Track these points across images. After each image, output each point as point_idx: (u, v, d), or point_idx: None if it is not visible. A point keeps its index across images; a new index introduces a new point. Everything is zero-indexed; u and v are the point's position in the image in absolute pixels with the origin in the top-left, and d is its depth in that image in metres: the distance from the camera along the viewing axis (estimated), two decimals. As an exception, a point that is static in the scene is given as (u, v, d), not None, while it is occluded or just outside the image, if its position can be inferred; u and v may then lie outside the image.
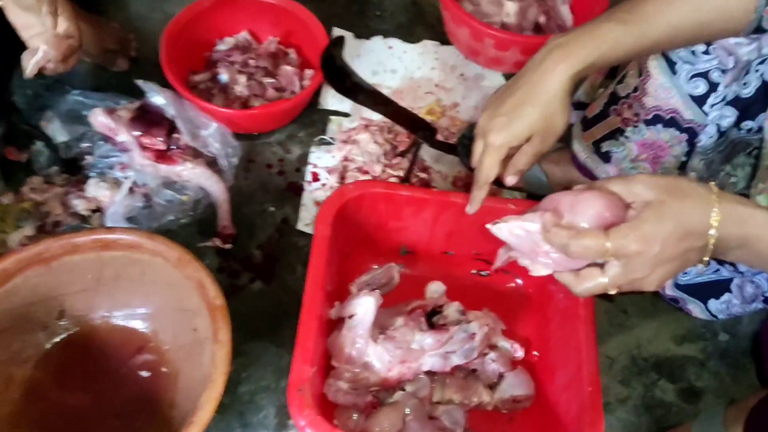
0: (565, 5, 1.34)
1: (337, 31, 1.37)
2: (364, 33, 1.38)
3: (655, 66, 0.87)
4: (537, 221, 0.70)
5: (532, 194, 1.17)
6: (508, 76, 1.34)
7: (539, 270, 0.72)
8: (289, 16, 1.26)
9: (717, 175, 0.87)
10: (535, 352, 1.02)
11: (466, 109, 1.29)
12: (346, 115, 1.25)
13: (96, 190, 1.09)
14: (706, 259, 0.65)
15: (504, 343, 1.01)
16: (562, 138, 1.22)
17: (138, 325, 0.97)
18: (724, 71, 0.80)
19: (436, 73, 1.34)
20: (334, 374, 0.93)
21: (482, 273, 1.09)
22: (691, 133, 0.86)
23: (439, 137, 1.22)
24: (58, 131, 1.13)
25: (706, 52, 0.81)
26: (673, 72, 0.85)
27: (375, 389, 0.94)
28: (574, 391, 0.88)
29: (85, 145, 1.14)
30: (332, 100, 1.26)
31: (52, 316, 0.94)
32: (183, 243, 0.98)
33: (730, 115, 0.81)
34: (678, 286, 1.00)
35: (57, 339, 0.95)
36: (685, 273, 0.96)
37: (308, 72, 1.24)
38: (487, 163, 0.81)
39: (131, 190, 1.09)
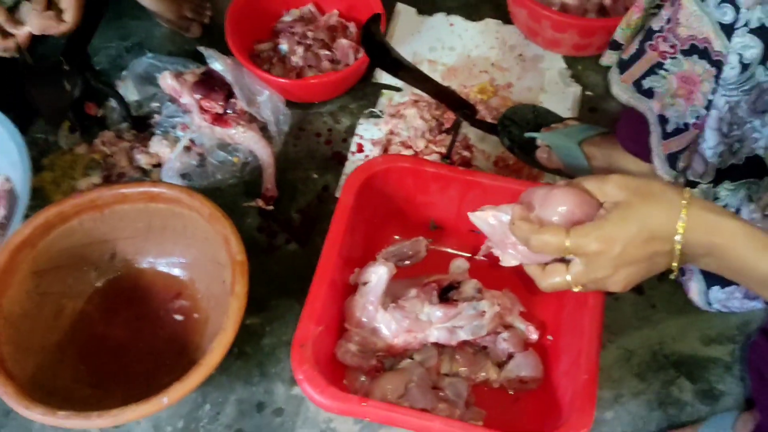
0: (635, -13, 1.29)
1: (401, 7, 1.39)
2: (427, 9, 1.40)
3: None
4: (509, 212, 0.71)
5: (573, 178, 1.16)
6: (567, 59, 1.32)
7: (508, 261, 0.74)
8: (352, -10, 1.31)
9: (742, 125, 0.83)
10: (549, 337, 1.03)
11: (519, 90, 1.29)
12: (397, 89, 1.29)
13: (158, 146, 1.20)
14: (675, 264, 0.64)
15: (520, 325, 1.02)
16: (609, 122, 1.20)
17: (178, 272, 1.07)
18: None
19: (494, 52, 1.34)
20: (345, 336, 0.99)
21: (508, 254, 1.10)
22: (719, 68, 0.81)
23: (486, 117, 1.23)
24: (130, 91, 1.24)
25: None
26: None
27: (381, 354, 0.98)
28: (571, 377, 0.89)
29: (154, 104, 1.25)
30: (386, 74, 1.30)
31: (104, 257, 1.05)
32: (229, 201, 1.07)
33: (754, 46, 0.75)
34: None
35: (106, 278, 1.06)
36: None
37: (364, 46, 1.28)
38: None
39: (188, 149, 1.18)
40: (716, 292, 0.96)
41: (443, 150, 1.20)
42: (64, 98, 1.07)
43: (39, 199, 1.07)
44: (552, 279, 0.67)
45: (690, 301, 1.07)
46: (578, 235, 0.63)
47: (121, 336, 1.03)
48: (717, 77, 0.80)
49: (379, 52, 1.06)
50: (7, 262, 0.95)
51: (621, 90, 0.97)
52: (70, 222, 1.00)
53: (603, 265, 0.63)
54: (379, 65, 1.08)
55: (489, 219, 0.73)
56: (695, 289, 0.99)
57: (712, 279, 0.97)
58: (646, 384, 1.03)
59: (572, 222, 0.65)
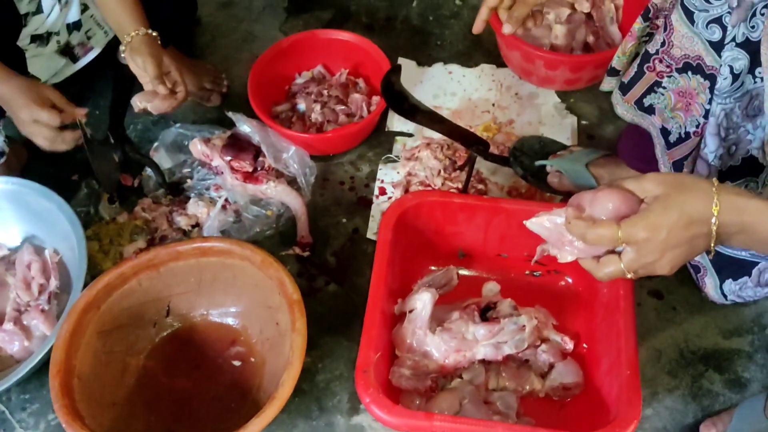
0: (614, 25, 1.43)
1: (402, 61, 1.51)
2: (426, 61, 1.52)
3: (676, 18, 0.94)
4: (562, 215, 0.80)
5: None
6: (560, 94, 1.43)
7: (565, 257, 0.82)
8: (357, 50, 1.42)
9: (737, 129, 0.92)
10: (584, 345, 1.10)
11: (520, 125, 1.40)
12: (409, 135, 1.39)
13: (195, 208, 1.27)
14: (712, 245, 0.73)
15: (555, 337, 1.10)
16: (607, 146, 1.31)
17: (231, 321, 1.13)
18: (730, 13, 0.86)
19: (492, 93, 1.45)
20: (397, 362, 1.06)
21: (535, 273, 1.18)
22: (713, 80, 0.91)
23: (495, 151, 1.33)
24: (164, 159, 1.32)
25: None
26: (692, 22, 0.91)
27: (434, 375, 1.05)
28: (614, 376, 0.97)
29: (186, 170, 1.33)
30: (398, 122, 1.40)
31: (161, 314, 1.12)
32: (267, 251, 1.14)
33: (741, 58, 0.86)
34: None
35: (164, 333, 1.12)
36: None
37: (375, 98, 1.39)
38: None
39: (224, 207, 1.26)
40: (729, 284, 1.05)
41: (459, 185, 1.29)
42: (115, 168, 1.15)
43: (88, 267, 1.13)
44: (607, 268, 0.76)
45: (706, 300, 1.17)
46: (628, 226, 0.72)
47: (185, 386, 1.08)
48: (711, 88, 0.91)
49: (399, 100, 1.16)
50: (75, 324, 1.01)
51: (625, 110, 1.08)
52: (129, 282, 1.07)
53: (651, 251, 0.72)
54: (398, 111, 1.18)
55: (545, 223, 0.82)
56: (710, 285, 1.07)
57: (724, 273, 1.05)
58: (678, 380, 1.11)
59: (620, 217, 0.74)
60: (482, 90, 1.46)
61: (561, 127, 1.39)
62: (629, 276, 0.75)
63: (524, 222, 0.84)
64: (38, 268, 1.18)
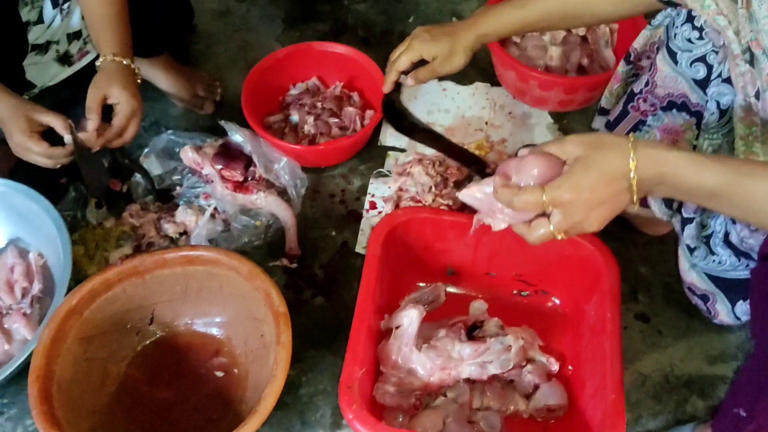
0: (608, 49, 1.44)
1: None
2: (421, 77, 1.52)
3: (661, 59, 0.96)
4: (491, 184, 0.81)
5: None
6: (553, 114, 1.44)
7: (499, 225, 0.83)
8: (353, 64, 1.42)
9: None
10: (570, 367, 1.10)
11: (513, 144, 1.40)
12: (402, 150, 1.39)
13: (184, 216, 1.26)
14: (635, 198, 0.74)
15: (540, 357, 1.09)
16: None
17: (215, 331, 1.12)
18: (716, 52, 0.88)
19: (486, 112, 1.46)
20: (382, 379, 1.05)
21: (522, 293, 1.18)
22: (699, 117, 0.93)
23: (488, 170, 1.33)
24: (154, 165, 1.32)
25: (700, 38, 0.89)
26: (675, 62, 0.93)
27: (418, 393, 1.04)
28: (599, 399, 0.96)
29: (176, 177, 1.33)
30: (390, 137, 1.40)
31: (144, 321, 1.11)
32: (255, 262, 1.13)
33: (728, 93, 0.87)
34: (714, 279, 1.02)
35: (147, 342, 1.11)
36: (721, 263, 0.99)
37: (369, 112, 1.39)
38: (403, 57, 1.09)
39: (213, 216, 1.25)
40: (741, 305, 1.02)
41: (450, 202, 1.29)
42: (105, 173, 1.14)
43: (73, 272, 1.11)
44: (538, 231, 0.77)
45: (691, 324, 1.17)
46: (552, 189, 0.73)
47: (166, 395, 1.07)
48: (698, 125, 0.93)
49: (399, 118, 1.16)
50: (57, 330, 1.00)
51: None
52: (113, 289, 1.06)
53: (577, 210, 0.73)
54: (398, 129, 1.19)
55: (476, 194, 0.83)
56: (722, 310, 1.04)
57: (735, 293, 1.04)
58: (662, 404, 1.10)
59: (545, 181, 0.75)
60: (476, 108, 1.47)
61: (553, 148, 1.39)
62: (560, 237, 0.76)
63: (457, 194, 0.87)
64: (22, 271, 1.17)
